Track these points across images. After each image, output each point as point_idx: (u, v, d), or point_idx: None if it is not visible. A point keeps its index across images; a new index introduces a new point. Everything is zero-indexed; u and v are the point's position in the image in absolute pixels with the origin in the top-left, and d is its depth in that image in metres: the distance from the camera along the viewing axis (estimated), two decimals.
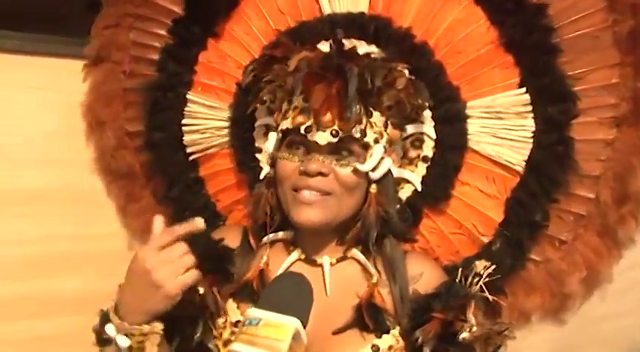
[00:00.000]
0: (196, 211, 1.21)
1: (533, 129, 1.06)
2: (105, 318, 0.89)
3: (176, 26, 1.19)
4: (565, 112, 1.05)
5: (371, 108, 0.97)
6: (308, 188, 0.94)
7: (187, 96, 1.19)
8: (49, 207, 1.24)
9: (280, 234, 1.05)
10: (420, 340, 0.93)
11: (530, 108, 1.06)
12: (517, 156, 1.07)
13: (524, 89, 1.06)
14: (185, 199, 1.23)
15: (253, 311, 0.85)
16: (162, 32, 1.21)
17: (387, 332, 0.97)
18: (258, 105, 1.10)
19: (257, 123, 1.15)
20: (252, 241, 1.05)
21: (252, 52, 1.15)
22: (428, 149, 1.09)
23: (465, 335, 0.92)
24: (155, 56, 1.22)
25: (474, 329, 0.92)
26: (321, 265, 1.02)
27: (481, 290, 0.96)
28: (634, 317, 1.76)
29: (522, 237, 1.10)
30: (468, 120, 1.08)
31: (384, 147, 0.98)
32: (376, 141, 0.97)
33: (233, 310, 1.01)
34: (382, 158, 0.98)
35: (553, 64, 1.05)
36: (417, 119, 1.07)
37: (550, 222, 1.11)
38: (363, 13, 1.09)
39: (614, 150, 1.08)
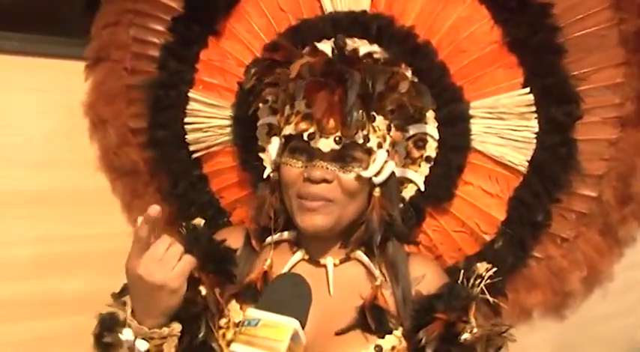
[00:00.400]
0: (201, 207, 1.22)
1: (537, 130, 1.06)
2: (107, 323, 0.90)
3: (176, 24, 1.18)
4: (568, 114, 1.05)
5: (373, 113, 0.96)
6: (312, 196, 0.94)
7: (189, 94, 1.19)
8: (48, 207, 1.24)
9: (284, 235, 1.06)
10: (423, 341, 0.94)
11: (533, 109, 1.05)
12: (520, 156, 1.07)
13: (527, 89, 1.05)
14: (190, 196, 1.24)
15: (252, 312, 0.86)
16: (162, 29, 1.19)
17: (390, 333, 0.98)
18: (260, 104, 1.09)
19: (259, 122, 1.14)
20: (254, 243, 1.06)
21: (253, 49, 1.14)
22: (431, 149, 1.08)
23: (466, 336, 0.93)
24: (155, 53, 1.21)
25: (475, 330, 0.93)
26: (324, 266, 1.02)
27: (482, 291, 0.98)
28: (634, 317, 1.77)
29: (524, 236, 1.10)
30: (472, 121, 1.07)
31: (387, 150, 0.98)
32: (379, 145, 0.97)
33: (236, 311, 1.01)
34: (385, 161, 0.98)
35: (557, 64, 1.04)
36: (420, 120, 1.06)
37: (552, 221, 1.11)
38: (365, 12, 1.07)
39: (618, 150, 1.07)
